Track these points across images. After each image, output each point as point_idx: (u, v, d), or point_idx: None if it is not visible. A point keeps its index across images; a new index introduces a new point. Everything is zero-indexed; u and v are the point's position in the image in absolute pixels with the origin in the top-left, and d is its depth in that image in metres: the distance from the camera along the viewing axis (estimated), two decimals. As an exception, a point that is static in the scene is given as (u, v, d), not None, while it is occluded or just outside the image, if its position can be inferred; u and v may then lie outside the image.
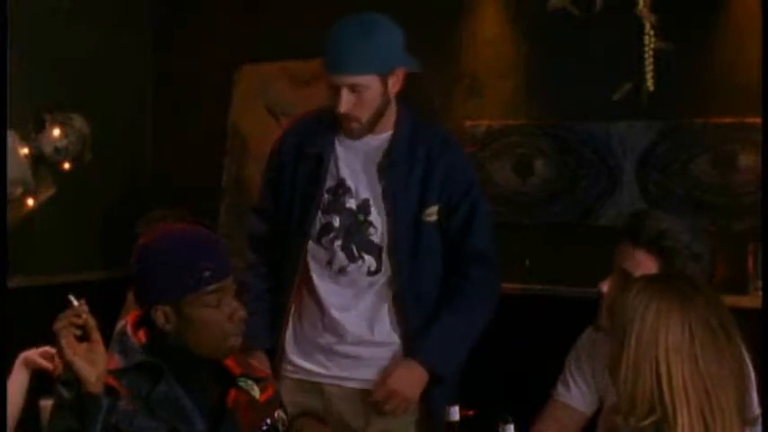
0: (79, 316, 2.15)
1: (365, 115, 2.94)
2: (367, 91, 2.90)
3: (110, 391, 2.17)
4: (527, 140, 4.42)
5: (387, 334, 3.01)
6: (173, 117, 5.20)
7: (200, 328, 2.26)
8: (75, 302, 2.16)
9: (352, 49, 2.88)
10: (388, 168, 2.98)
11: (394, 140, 3.00)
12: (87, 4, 4.91)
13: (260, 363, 2.92)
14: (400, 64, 2.95)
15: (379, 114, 2.96)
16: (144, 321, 2.30)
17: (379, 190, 2.99)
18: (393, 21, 3.00)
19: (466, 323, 3.01)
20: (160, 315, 2.26)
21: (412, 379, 2.97)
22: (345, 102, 2.90)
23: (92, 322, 2.16)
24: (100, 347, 2.16)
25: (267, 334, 3.10)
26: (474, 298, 3.01)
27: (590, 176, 4.29)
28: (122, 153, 5.08)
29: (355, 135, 2.99)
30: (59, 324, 2.14)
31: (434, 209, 2.99)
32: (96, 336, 2.16)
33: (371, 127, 2.98)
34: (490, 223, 3.09)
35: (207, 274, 2.25)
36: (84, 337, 2.15)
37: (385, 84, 2.92)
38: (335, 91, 2.91)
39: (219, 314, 2.27)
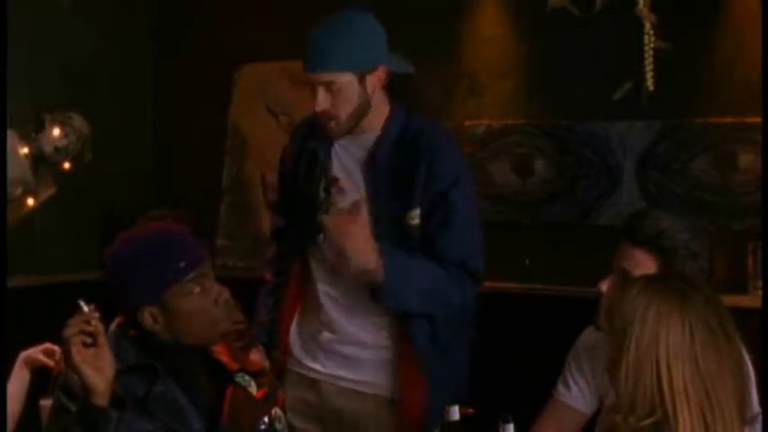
0: (89, 322, 2.11)
1: (342, 114, 2.89)
2: (342, 89, 2.87)
3: (115, 399, 2.13)
4: (527, 140, 4.42)
5: (379, 335, 3.00)
6: (173, 117, 5.21)
7: (189, 318, 2.25)
8: (86, 308, 2.12)
9: (326, 47, 2.85)
10: (372, 168, 2.96)
11: (379, 140, 2.97)
12: (88, 4, 4.91)
13: (257, 355, 2.93)
14: (379, 63, 2.92)
15: (359, 113, 2.92)
16: (131, 325, 2.28)
17: (365, 190, 2.97)
18: (378, 19, 2.92)
19: (431, 277, 2.86)
20: (148, 317, 2.25)
21: (365, 238, 2.78)
22: (321, 100, 2.87)
23: (100, 328, 2.12)
24: (107, 353, 2.12)
25: (272, 328, 3.13)
26: (446, 275, 2.87)
27: (590, 176, 4.29)
28: (122, 153, 5.09)
29: (336, 135, 2.95)
30: (69, 331, 2.09)
31: (417, 212, 2.93)
32: (103, 341, 2.12)
33: (352, 126, 2.93)
34: (474, 225, 2.95)
35: (183, 264, 2.24)
36: (91, 343, 2.11)
37: (363, 82, 2.90)
38: (313, 91, 2.90)
39: (205, 300, 2.27)
